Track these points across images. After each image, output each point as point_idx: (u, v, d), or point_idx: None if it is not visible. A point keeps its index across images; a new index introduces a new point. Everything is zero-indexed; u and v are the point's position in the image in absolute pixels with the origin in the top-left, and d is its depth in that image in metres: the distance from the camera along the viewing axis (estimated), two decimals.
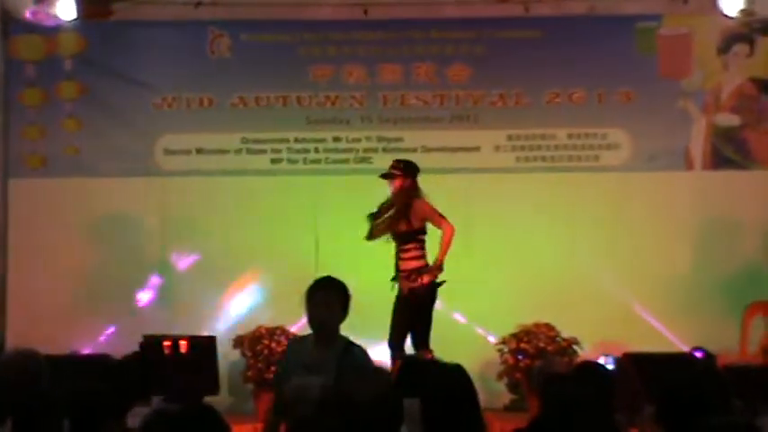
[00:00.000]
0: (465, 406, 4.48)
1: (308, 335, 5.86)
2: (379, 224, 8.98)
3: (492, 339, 10.34)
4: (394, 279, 8.99)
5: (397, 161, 9.19)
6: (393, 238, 8.96)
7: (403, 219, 8.91)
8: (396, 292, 9.02)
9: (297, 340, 6.18)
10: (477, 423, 4.55)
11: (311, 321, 5.72)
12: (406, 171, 9.01)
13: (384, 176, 9.05)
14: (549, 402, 5.02)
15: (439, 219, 8.91)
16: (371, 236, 9.01)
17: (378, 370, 3.85)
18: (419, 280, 8.86)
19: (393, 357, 8.72)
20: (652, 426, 5.30)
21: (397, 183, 8.99)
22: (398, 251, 8.97)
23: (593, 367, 6.33)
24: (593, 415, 4.38)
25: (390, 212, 8.97)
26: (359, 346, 5.73)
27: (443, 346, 10.04)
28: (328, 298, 5.72)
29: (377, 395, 3.69)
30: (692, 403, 4.82)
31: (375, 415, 3.69)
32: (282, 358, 6.32)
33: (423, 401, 4.59)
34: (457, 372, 4.68)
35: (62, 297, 10.76)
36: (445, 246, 8.87)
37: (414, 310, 8.90)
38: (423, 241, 8.99)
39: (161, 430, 3.75)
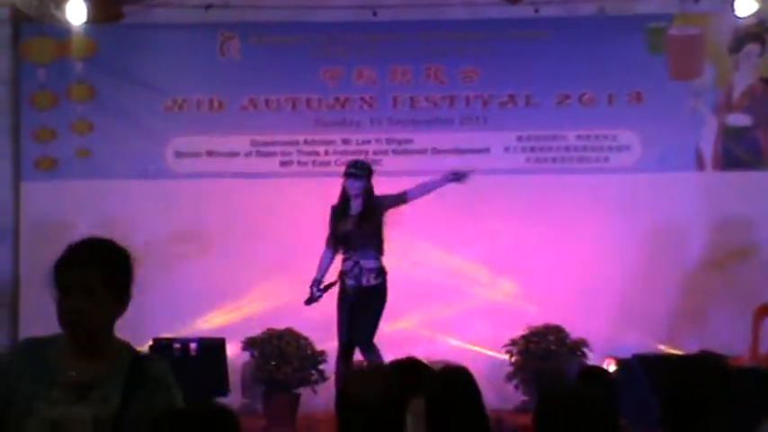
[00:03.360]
0: (469, 406, 4.49)
1: (55, 337, 3.72)
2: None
3: (502, 340, 10.31)
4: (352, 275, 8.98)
5: (360, 162, 9.22)
6: (348, 239, 8.95)
7: (375, 219, 8.95)
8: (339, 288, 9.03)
9: (32, 345, 3.75)
10: (482, 423, 4.56)
11: (62, 318, 3.65)
12: (369, 174, 9.04)
13: (351, 176, 9.00)
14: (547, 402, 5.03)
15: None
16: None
17: (382, 370, 3.85)
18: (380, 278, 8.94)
19: (369, 357, 8.72)
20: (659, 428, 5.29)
21: (362, 184, 8.97)
22: (362, 250, 8.95)
23: (596, 372, 6.34)
24: (594, 419, 4.38)
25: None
26: (156, 358, 3.90)
27: (454, 347, 10.13)
28: (90, 280, 3.65)
29: (382, 395, 3.70)
30: (697, 405, 4.80)
31: (379, 415, 3.69)
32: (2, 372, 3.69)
33: (427, 402, 4.60)
34: (460, 373, 4.69)
35: None
36: None
37: (382, 306, 8.97)
38: None
39: (173, 429, 3.69)
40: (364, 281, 8.86)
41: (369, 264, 8.89)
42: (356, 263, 8.89)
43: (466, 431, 4.48)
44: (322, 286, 9.00)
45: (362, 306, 8.85)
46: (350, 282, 8.88)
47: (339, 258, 9.04)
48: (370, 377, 3.75)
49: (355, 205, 8.95)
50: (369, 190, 8.97)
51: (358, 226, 8.89)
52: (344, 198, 9.01)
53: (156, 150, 11.00)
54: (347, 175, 9.00)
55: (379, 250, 8.93)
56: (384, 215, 8.96)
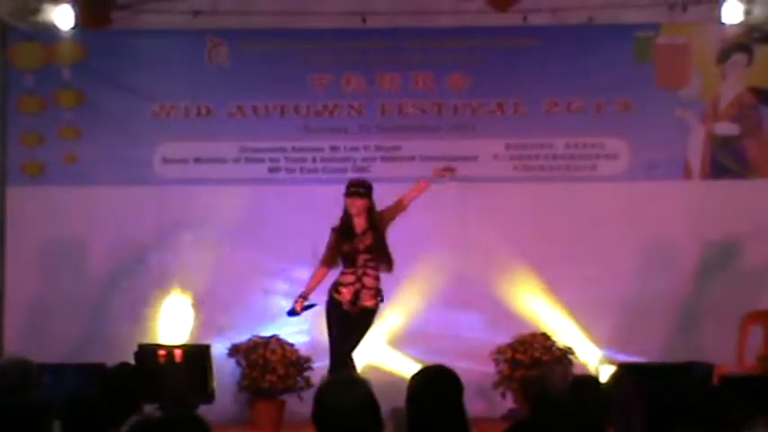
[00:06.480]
0: (446, 403, 4.46)
1: None
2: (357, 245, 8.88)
3: (488, 349, 10.29)
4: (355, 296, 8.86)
5: (360, 181, 9.02)
6: (355, 256, 8.82)
7: (378, 236, 8.87)
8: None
9: None
10: (461, 420, 4.52)
11: None
12: (370, 191, 8.89)
13: (353, 195, 8.82)
14: (539, 409, 5.02)
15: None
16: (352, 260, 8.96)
17: (357, 380, 3.84)
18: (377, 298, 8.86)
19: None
20: None
21: (364, 202, 8.85)
22: (364, 267, 8.86)
23: (588, 381, 6.32)
24: (584, 427, 4.38)
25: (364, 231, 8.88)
26: None
27: (440, 356, 10.09)
28: None
29: (357, 405, 3.69)
30: (682, 414, 4.80)
31: (356, 425, 3.69)
32: None
33: (407, 402, 4.59)
34: (438, 371, 4.67)
35: (61, 306, 10.76)
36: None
37: (369, 328, 8.89)
38: None
39: None
40: (363, 300, 8.75)
41: (369, 281, 8.80)
42: (359, 278, 8.81)
43: (446, 427, 4.45)
44: (306, 303, 8.87)
45: (355, 325, 8.76)
46: (347, 296, 8.77)
47: (332, 273, 8.95)
48: (346, 387, 3.74)
49: (358, 223, 8.84)
50: (371, 207, 8.89)
51: (365, 244, 8.81)
52: (346, 217, 8.89)
53: (144, 156, 10.97)
54: (349, 194, 8.86)
55: (387, 268, 8.84)
56: (387, 230, 8.90)
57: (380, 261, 8.79)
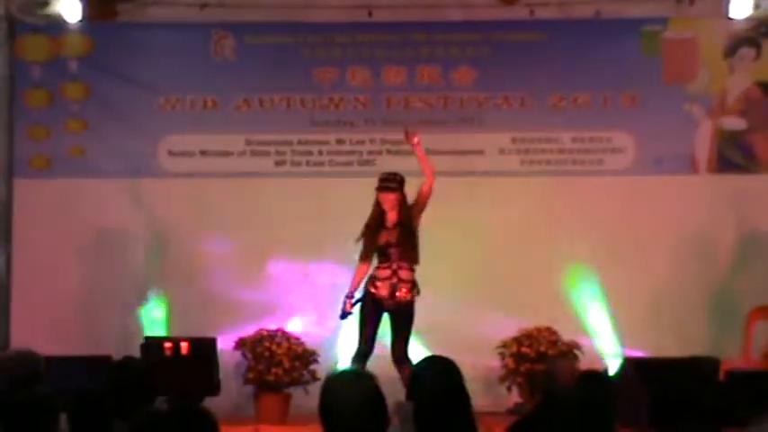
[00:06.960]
0: (451, 397, 4.46)
1: None
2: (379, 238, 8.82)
3: (495, 343, 10.29)
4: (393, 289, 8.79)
5: (392, 175, 8.92)
6: (388, 250, 8.81)
7: (412, 230, 8.81)
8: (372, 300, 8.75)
9: None
10: (469, 423, 4.54)
11: None
12: (402, 185, 8.84)
13: (385, 190, 8.76)
14: (548, 403, 5.03)
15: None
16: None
17: (363, 374, 3.85)
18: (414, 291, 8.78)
19: (405, 367, 8.59)
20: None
21: (396, 196, 8.82)
22: (399, 261, 8.81)
23: (596, 375, 6.33)
24: (592, 421, 4.38)
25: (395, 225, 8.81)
26: None
27: (446, 349, 10.08)
28: None
29: (363, 398, 3.70)
30: (687, 407, 4.81)
31: (362, 419, 3.69)
32: None
33: (411, 397, 4.60)
34: (442, 361, 4.68)
35: (66, 298, 10.78)
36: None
37: (413, 321, 8.83)
38: None
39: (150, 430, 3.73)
40: (399, 293, 8.68)
41: (405, 274, 8.72)
42: (395, 272, 8.72)
43: (451, 414, 4.46)
44: (354, 300, 8.79)
45: (398, 321, 8.73)
46: (384, 292, 8.72)
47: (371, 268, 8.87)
48: (352, 380, 3.75)
49: (391, 217, 8.77)
50: (404, 201, 8.83)
51: (396, 237, 8.76)
52: (378, 211, 8.83)
53: (150, 149, 10.98)
54: (381, 189, 8.79)
55: (414, 261, 8.78)
56: (419, 222, 8.83)
57: (407, 254, 8.72)
